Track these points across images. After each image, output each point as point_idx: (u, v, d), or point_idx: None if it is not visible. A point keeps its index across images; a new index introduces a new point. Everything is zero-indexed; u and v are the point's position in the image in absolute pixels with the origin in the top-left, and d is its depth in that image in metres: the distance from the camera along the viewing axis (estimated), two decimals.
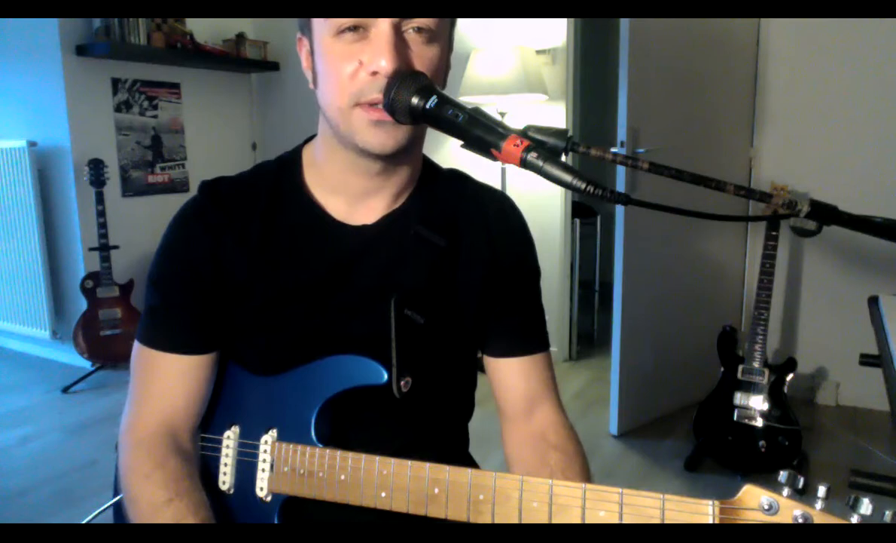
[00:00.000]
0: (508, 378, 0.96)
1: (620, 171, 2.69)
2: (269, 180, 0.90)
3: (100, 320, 3.36)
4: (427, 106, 0.72)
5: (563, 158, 0.67)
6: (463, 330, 0.94)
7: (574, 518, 0.68)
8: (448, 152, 3.36)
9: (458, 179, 0.98)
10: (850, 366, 2.94)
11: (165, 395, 0.87)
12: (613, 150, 0.85)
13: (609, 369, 2.82)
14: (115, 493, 0.92)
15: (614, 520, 0.66)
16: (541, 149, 0.66)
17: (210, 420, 0.92)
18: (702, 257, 3.07)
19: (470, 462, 1.03)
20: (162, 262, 0.89)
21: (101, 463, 2.59)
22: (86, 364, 3.48)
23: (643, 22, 2.58)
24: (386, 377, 0.82)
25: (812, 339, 3.16)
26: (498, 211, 0.96)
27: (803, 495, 0.60)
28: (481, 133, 0.69)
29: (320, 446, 0.83)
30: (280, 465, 0.85)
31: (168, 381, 0.87)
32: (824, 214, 0.65)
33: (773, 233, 2.48)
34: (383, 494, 0.78)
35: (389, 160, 0.83)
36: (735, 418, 2.42)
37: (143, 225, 3.73)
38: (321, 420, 0.85)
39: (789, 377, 2.40)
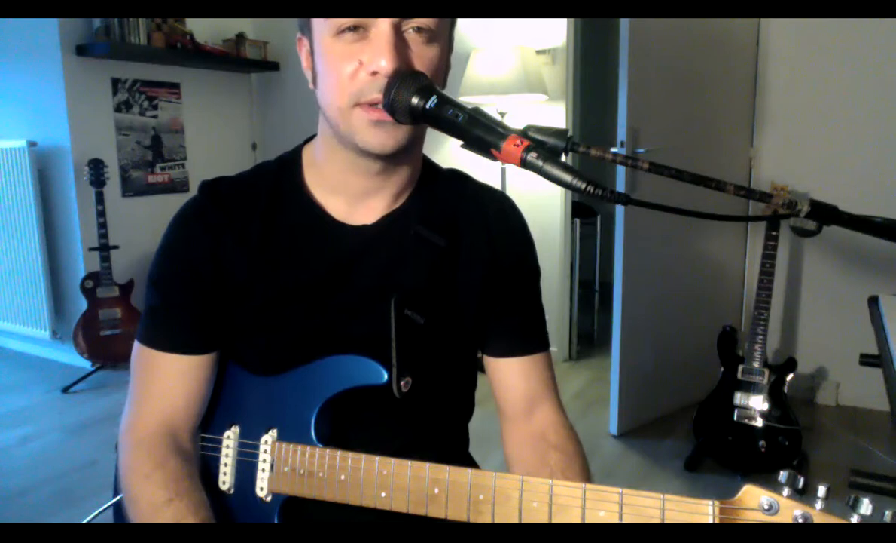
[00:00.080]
0: (508, 378, 0.96)
1: (620, 171, 2.69)
2: (269, 180, 0.90)
3: (100, 320, 3.36)
4: (427, 106, 0.72)
5: (563, 158, 0.67)
6: (463, 330, 0.94)
7: (574, 518, 0.68)
8: (448, 152, 3.36)
9: (458, 179, 0.98)
10: (850, 366, 2.94)
11: (165, 395, 0.87)
12: (613, 150, 0.85)
13: (609, 369, 2.82)
14: (115, 493, 0.92)
15: (614, 520, 0.66)
16: (541, 149, 0.66)
17: (210, 420, 0.92)
18: (702, 257, 3.07)
19: (470, 462, 1.03)
20: (162, 262, 0.89)
21: (101, 463, 2.59)
22: (86, 364, 3.48)
23: (643, 22, 2.58)
24: (386, 377, 0.82)
25: (812, 339, 3.16)
26: (498, 211, 0.96)
27: (803, 495, 0.60)
28: (481, 133, 0.69)
29: (320, 446, 0.83)
30: (280, 465, 0.85)
31: (168, 381, 0.87)
32: (824, 214, 0.65)
33: (773, 233, 2.48)
34: (383, 494, 0.78)
35: (389, 160, 0.83)
36: (735, 418, 2.42)
37: (143, 225, 3.73)
38: (321, 420, 0.85)
39: (789, 377, 2.40)
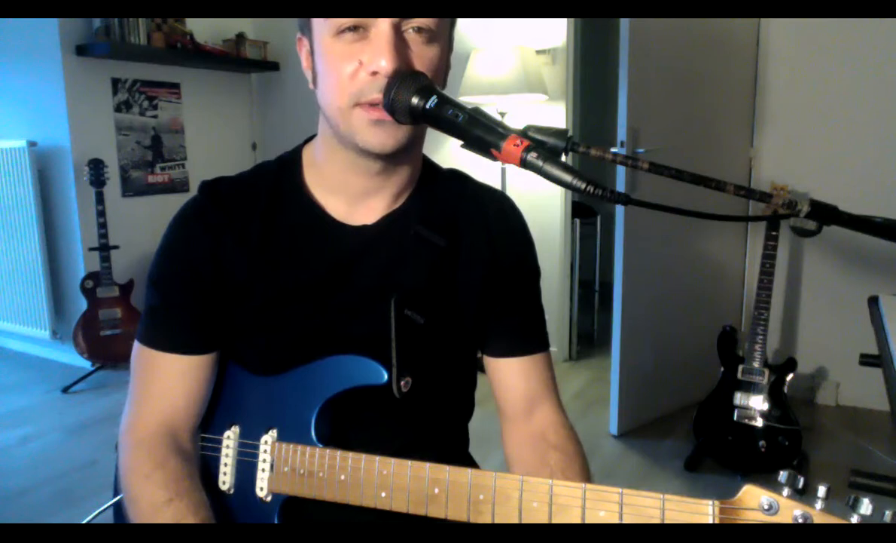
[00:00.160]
0: (508, 378, 0.96)
1: (620, 171, 2.68)
2: (269, 180, 0.90)
3: (100, 320, 3.36)
4: (427, 106, 0.72)
5: (563, 158, 0.67)
6: (463, 330, 0.94)
7: (574, 518, 0.68)
8: (448, 152, 3.36)
9: (458, 179, 0.98)
10: (850, 366, 2.94)
11: (165, 395, 0.87)
12: (613, 150, 0.85)
13: (609, 369, 2.82)
14: (115, 493, 0.92)
15: (614, 520, 0.66)
16: (541, 149, 0.66)
17: (210, 420, 0.92)
18: (702, 257, 3.07)
19: (470, 462, 1.03)
20: (162, 262, 0.89)
21: (101, 463, 2.59)
22: (86, 364, 3.48)
23: (643, 22, 2.58)
24: (386, 377, 0.82)
25: (812, 339, 3.16)
26: (498, 211, 0.96)
27: (803, 495, 0.60)
28: (481, 133, 0.69)
29: (320, 446, 0.83)
30: (280, 465, 0.85)
31: (168, 381, 0.87)
32: (824, 214, 0.65)
33: (773, 233, 2.48)
34: (383, 494, 0.78)
35: (389, 160, 0.83)
36: (735, 418, 2.42)
37: (143, 225, 3.73)
38: (321, 420, 0.85)
39: (789, 377, 2.40)
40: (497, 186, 2.42)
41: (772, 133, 3.13)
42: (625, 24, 2.55)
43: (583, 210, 3.91)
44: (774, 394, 2.39)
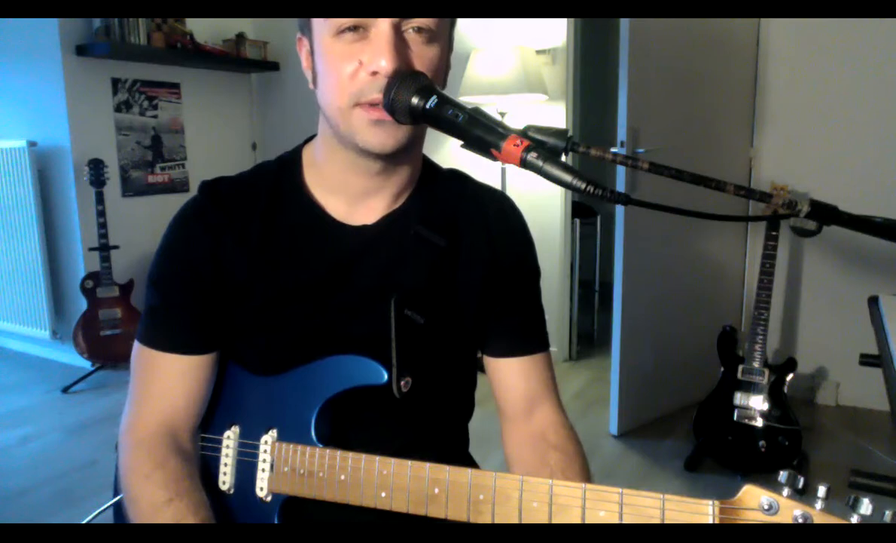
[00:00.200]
0: (508, 378, 0.96)
1: (620, 171, 2.68)
2: (269, 180, 0.90)
3: (100, 320, 3.36)
4: (427, 106, 0.72)
5: (563, 158, 0.67)
6: (463, 330, 0.94)
7: (574, 518, 0.68)
8: (448, 152, 3.36)
9: (458, 179, 0.98)
10: (850, 366, 2.94)
11: (165, 395, 0.87)
12: (613, 150, 0.85)
13: (609, 369, 2.82)
14: (115, 493, 0.92)
15: (614, 520, 0.66)
16: (541, 149, 0.66)
17: (210, 420, 0.92)
18: (702, 257, 3.07)
19: (470, 462, 1.03)
20: (162, 262, 0.89)
21: (101, 463, 2.59)
22: (86, 364, 3.48)
23: (643, 22, 2.58)
24: (386, 377, 0.82)
25: (812, 339, 3.16)
26: (498, 211, 0.96)
27: (803, 495, 0.60)
28: (481, 133, 0.69)
29: (320, 446, 0.83)
30: (280, 465, 0.85)
31: (168, 381, 0.87)
32: (824, 214, 0.65)
33: (773, 233, 2.48)
34: (383, 494, 0.78)
35: (389, 160, 0.83)
36: (735, 418, 2.42)
37: (143, 225, 3.73)
38: (321, 420, 0.85)
39: (789, 377, 2.40)
40: (497, 186, 2.42)
41: (772, 133, 3.13)
42: (625, 24, 2.55)
43: (583, 210, 3.91)
44: (774, 394, 2.39)
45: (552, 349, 1.02)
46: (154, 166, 3.88)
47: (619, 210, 2.71)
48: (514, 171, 3.43)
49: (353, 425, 0.88)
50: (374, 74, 0.74)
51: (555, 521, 0.70)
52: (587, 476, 0.90)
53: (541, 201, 3.52)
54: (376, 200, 0.88)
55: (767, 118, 3.13)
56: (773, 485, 0.62)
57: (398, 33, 0.75)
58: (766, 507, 0.60)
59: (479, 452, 1.07)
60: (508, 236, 0.96)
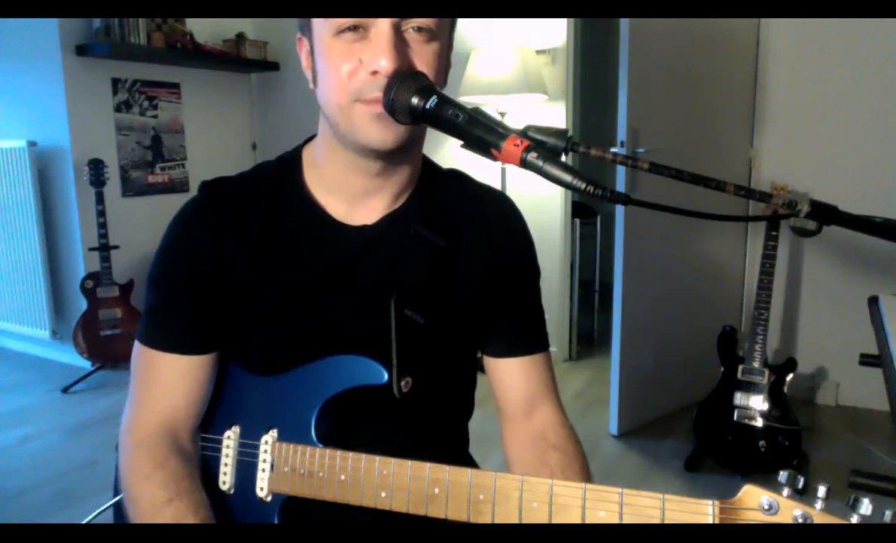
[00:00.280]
0: (508, 378, 0.96)
1: (620, 171, 2.69)
2: (269, 180, 0.90)
3: (100, 320, 3.36)
4: (427, 106, 0.72)
5: (563, 158, 0.67)
6: (463, 330, 0.94)
7: (574, 518, 0.68)
8: (448, 152, 3.36)
9: (458, 179, 0.98)
10: (850, 366, 2.94)
11: (166, 395, 0.87)
12: (613, 150, 0.85)
13: (609, 369, 2.82)
14: (116, 493, 0.92)
15: (614, 520, 0.66)
16: (541, 149, 0.66)
17: (210, 420, 0.92)
18: (702, 257, 3.07)
19: (470, 462, 1.03)
20: (162, 262, 0.89)
21: (101, 463, 2.59)
22: (86, 364, 3.48)
23: (643, 22, 2.58)
24: (386, 377, 0.82)
25: (812, 339, 3.16)
26: (498, 211, 0.96)
27: (803, 495, 0.60)
28: (481, 133, 0.69)
29: (320, 446, 0.83)
30: (280, 465, 0.85)
31: (168, 381, 0.87)
32: (824, 214, 0.65)
33: (773, 233, 2.48)
34: (383, 494, 0.78)
35: (389, 158, 0.83)
36: (735, 418, 2.42)
37: (143, 225, 3.73)
38: (321, 420, 0.85)
39: (789, 377, 2.40)
40: (497, 186, 2.42)
41: (772, 133, 3.13)
42: (625, 24, 2.55)
43: (583, 210, 3.91)
44: (774, 394, 2.39)
45: (552, 349, 1.02)
46: (154, 166, 3.87)
47: (619, 210, 2.71)
48: (514, 171, 3.43)
49: (353, 425, 0.88)
50: (374, 73, 0.74)
51: (555, 521, 0.70)
52: (587, 476, 0.90)
53: (541, 201, 3.52)
54: (376, 200, 0.88)
55: (767, 118, 3.13)
56: (773, 485, 0.62)
57: (398, 33, 0.75)
58: (766, 507, 0.60)
59: (479, 452, 1.07)
60: (508, 236, 0.96)
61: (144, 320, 0.89)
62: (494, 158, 0.69)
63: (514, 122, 2.01)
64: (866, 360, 1.62)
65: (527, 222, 1.00)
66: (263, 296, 0.87)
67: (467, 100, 3.17)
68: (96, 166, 3.31)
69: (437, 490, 0.75)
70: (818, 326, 3.14)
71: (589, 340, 4.11)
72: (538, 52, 3.44)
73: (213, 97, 4.18)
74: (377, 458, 0.79)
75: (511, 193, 1.69)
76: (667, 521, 0.64)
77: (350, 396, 0.84)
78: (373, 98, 0.75)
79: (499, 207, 0.97)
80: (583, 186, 0.63)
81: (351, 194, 0.87)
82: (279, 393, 0.87)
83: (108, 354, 3.38)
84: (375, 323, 0.86)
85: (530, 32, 3.49)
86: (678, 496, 0.64)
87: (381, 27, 0.74)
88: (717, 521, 0.62)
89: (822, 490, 0.60)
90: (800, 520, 0.59)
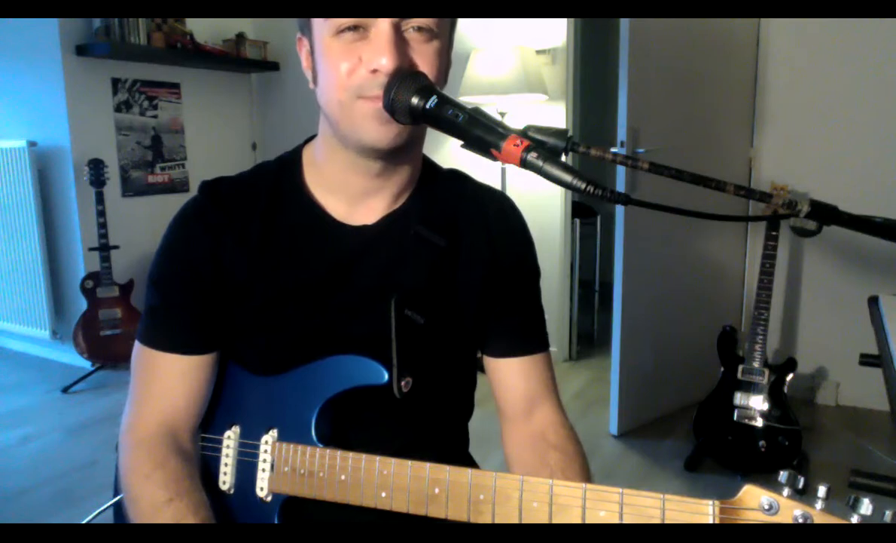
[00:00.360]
0: (508, 378, 0.96)
1: (620, 171, 2.69)
2: (270, 180, 0.90)
3: (100, 320, 3.36)
4: (427, 106, 0.72)
5: (563, 158, 0.67)
6: (463, 330, 0.94)
7: (574, 518, 0.68)
8: (448, 152, 3.36)
9: (458, 179, 0.98)
10: (850, 366, 2.94)
11: (166, 395, 0.87)
12: (613, 150, 0.85)
13: (609, 369, 2.82)
14: (116, 493, 0.92)
15: (614, 520, 0.66)
16: (541, 149, 0.66)
17: (210, 420, 0.92)
18: (702, 257, 3.07)
19: (470, 462, 1.03)
20: (162, 262, 0.89)
21: (101, 463, 2.59)
22: (86, 364, 3.48)
23: (643, 22, 2.58)
24: (386, 377, 0.82)
25: (812, 339, 3.16)
26: (498, 211, 0.96)
27: (803, 495, 0.60)
28: (481, 133, 0.69)
29: (321, 446, 0.83)
30: (280, 465, 0.85)
31: (168, 381, 0.87)
32: (824, 214, 0.65)
33: (773, 233, 2.48)
34: (384, 494, 0.78)
35: (389, 158, 0.83)
36: (735, 418, 2.42)
37: (143, 225, 3.73)
38: (321, 420, 0.85)
39: (789, 377, 2.40)
40: (497, 186, 2.42)
41: (772, 133, 3.13)
42: (625, 24, 2.55)
43: (583, 210, 3.91)
44: (774, 394, 2.39)
45: (552, 349, 1.02)
46: (154, 166, 3.87)
47: (619, 210, 2.71)
48: (514, 171, 3.43)
49: (353, 425, 0.88)
50: (375, 71, 0.74)
51: (555, 521, 0.70)
52: (587, 476, 0.90)
53: (541, 201, 3.52)
54: (376, 200, 0.88)
55: (767, 118, 3.13)
56: (773, 485, 0.62)
57: (398, 32, 0.75)
58: (766, 507, 0.60)
59: (479, 452, 1.07)
60: (508, 236, 0.96)
61: (144, 319, 0.89)
62: (494, 158, 0.69)
63: (514, 122, 2.01)
64: (866, 360, 1.62)
65: (527, 222, 1.00)
66: (263, 296, 0.87)
67: (467, 100, 3.17)
68: (96, 166, 3.32)
69: (437, 490, 0.75)
70: (818, 326, 3.14)
71: (589, 340, 4.11)
72: (538, 52, 3.44)
73: (213, 97, 4.18)
74: (377, 458, 0.79)
75: (511, 193, 1.69)
76: (667, 521, 0.64)
77: (350, 396, 0.84)
78: (373, 95, 0.75)
79: (499, 207, 0.97)
80: (583, 186, 0.63)
81: (351, 194, 0.87)
82: (279, 393, 0.87)
83: (108, 354, 3.38)
84: (375, 323, 0.86)
85: (530, 32, 3.49)
86: (678, 496, 0.64)
87: (382, 27, 0.74)
88: (717, 521, 0.62)
89: (822, 490, 0.60)
90: (800, 520, 0.59)
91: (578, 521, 0.68)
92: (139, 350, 0.89)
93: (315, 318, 0.87)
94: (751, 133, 3.16)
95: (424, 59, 0.77)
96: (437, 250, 0.89)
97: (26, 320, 3.74)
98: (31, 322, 3.72)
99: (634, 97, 2.59)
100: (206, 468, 0.90)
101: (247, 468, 0.87)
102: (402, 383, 0.83)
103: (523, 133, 0.68)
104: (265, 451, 0.86)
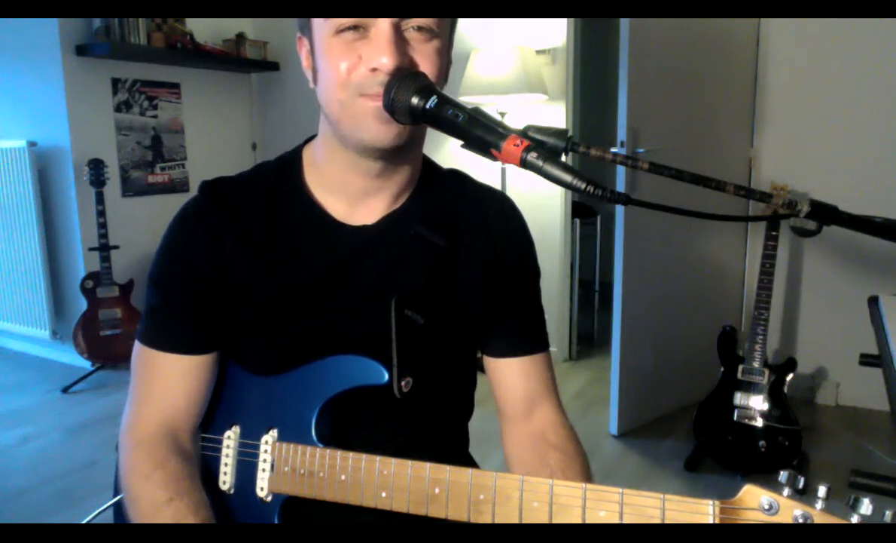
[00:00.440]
0: (508, 378, 0.96)
1: (620, 171, 2.69)
2: (270, 180, 0.90)
3: (100, 320, 3.36)
4: (427, 106, 0.72)
5: (563, 158, 0.67)
6: (463, 330, 0.94)
7: (574, 518, 0.68)
8: (448, 152, 3.36)
9: (458, 179, 0.98)
10: (850, 366, 2.94)
11: (166, 395, 0.87)
12: (613, 150, 0.85)
13: (609, 369, 2.82)
14: (116, 493, 0.92)
15: (615, 520, 0.66)
16: (541, 149, 0.66)
17: (210, 420, 0.92)
18: (702, 257, 3.07)
19: (470, 462, 1.03)
20: (162, 262, 0.89)
21: (101, 463, 2.59)
22: (86, 364, 3.48)
23: (643, 22, 2.58)
24: (387, 377, 0.82)
25: (812, 339, 3.16)
26: (498, 211, 0.96)
27: (803, 495, 0.60)
28: (481, 133, 0.69)
29: (321, 446, 0.83)
30: (280, 465, 0.85)
31: (168, 381, 0.87)
32: (824, 214, 0.65)
33: (773, 233, 2.48)
34: (384, 494, 0.78)
35: (389, 158, 0.83)
36: (735, 418, 2.42)
37: (143, 225, 3.73)
38: (322, 420, 0.85)
39: (789, 377, 2.40)
40: (497, 186, 2.42)
41: (772, 133, 3.13)
42: (625, 24, 2.55)
43: (583, 210, 3.91)
44: (774, 394, 2.39)
45: (552, 349, 1.02)
46: (154, 166, 3.87)
47: (619, 210, 2.71)
48: (514, 171, 3.43)
49: (353, 425, 0.88)
50: (374, 70, 0.74)
51: (555, 521, 0.70)
52: (587, 476, 0.90)
53: (541, 201, 3.52)
54: (376, 200, 0.88)
55: (767, 118, 3.13)
56: (773, 485, 0.62)
57: (398, 32, 0.75)
58: (766, 507, 0.60)
59: (479, 452, 1.07)
60: (508, 236, 0.96)
61: (145, 319, 0.89)
62: (494, 158, 0.69)
63: (514, 122, 2.01)
64: (866, 360, 1.62)
65: (527, 222, 1.00)
66: (263, 296, 0.87)
67: (467, 100, 3.17)
68: (96, 166, 3.32)
69: (437, 490, 0.75)
70: (818, 326, 3.14)
71: (589, 340, 4.11)
72: (538, 52, 3.44)
73: (213, 97, 4.18)
74: (377, 458, 0.79)
75: (511, 193, 1.69)
76: (667, 521, 0.64)
77: (350, 396, 0.84)
78: (374, 93, 0.75)
79: (499, 207, 0.97)
80: (583, 186, 0.63)
81: (351, 194, 0.87)
82: (279, 393, 0.87)
83: (108, 354, 3.38)
84: (375, 323, 0.86)
85: (530, 32, 3.49)
86: (678, 496, 0.64)
87: (382, 26, 0.74)
88: (717, 521, 0.62)
89: (822, 490, 0.60)
90: (800, 520, 0.59)
91: (579, 521, 0.68)
92: (139, 350, 0.89)
93: (315, 318, 0.87)
94: (751, 133, 3.16)
95: (424, 58, 0.77)
96: (437, 250, 0.89)
97: (26, 320, 3.74)
98: (31, 322, 3.72)
99: (634, 97, 2.59)
100: (207, 469, 0.90)
101: (247, 468, 0.87)
102: (403, 383, 0.83)
103: (523, 133, 0.68)
104: (265, 451, 0.86)
